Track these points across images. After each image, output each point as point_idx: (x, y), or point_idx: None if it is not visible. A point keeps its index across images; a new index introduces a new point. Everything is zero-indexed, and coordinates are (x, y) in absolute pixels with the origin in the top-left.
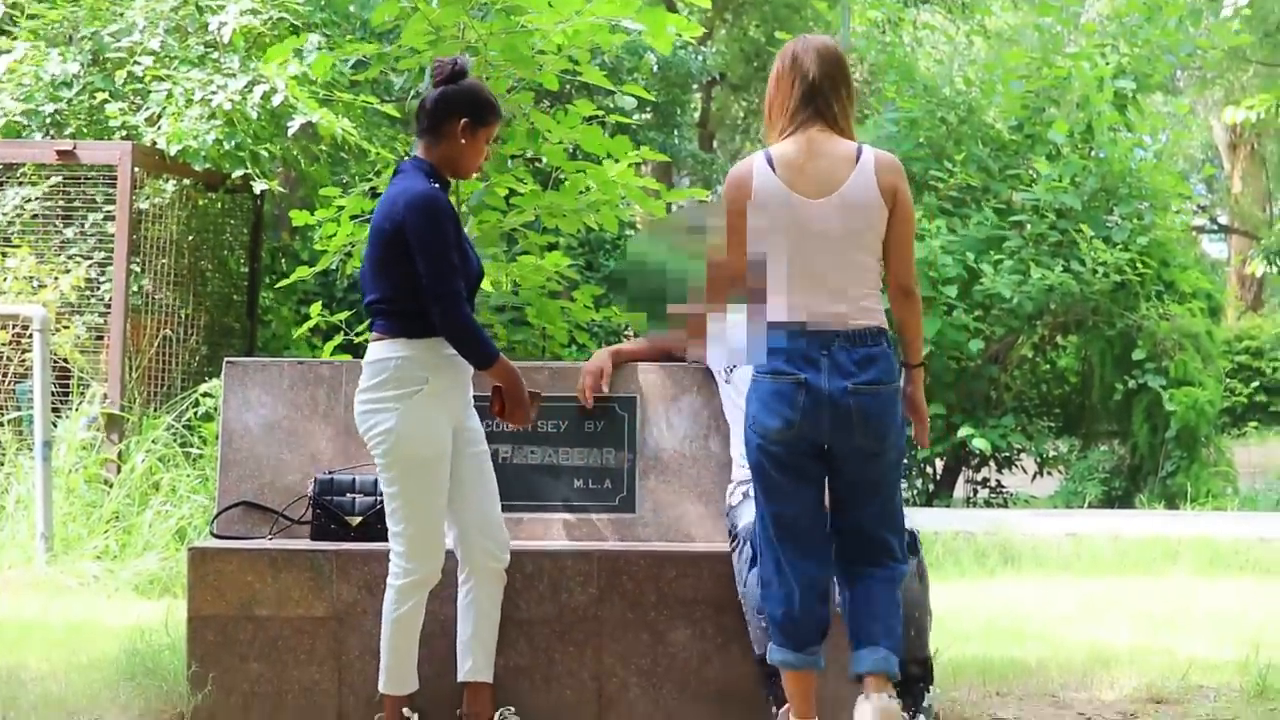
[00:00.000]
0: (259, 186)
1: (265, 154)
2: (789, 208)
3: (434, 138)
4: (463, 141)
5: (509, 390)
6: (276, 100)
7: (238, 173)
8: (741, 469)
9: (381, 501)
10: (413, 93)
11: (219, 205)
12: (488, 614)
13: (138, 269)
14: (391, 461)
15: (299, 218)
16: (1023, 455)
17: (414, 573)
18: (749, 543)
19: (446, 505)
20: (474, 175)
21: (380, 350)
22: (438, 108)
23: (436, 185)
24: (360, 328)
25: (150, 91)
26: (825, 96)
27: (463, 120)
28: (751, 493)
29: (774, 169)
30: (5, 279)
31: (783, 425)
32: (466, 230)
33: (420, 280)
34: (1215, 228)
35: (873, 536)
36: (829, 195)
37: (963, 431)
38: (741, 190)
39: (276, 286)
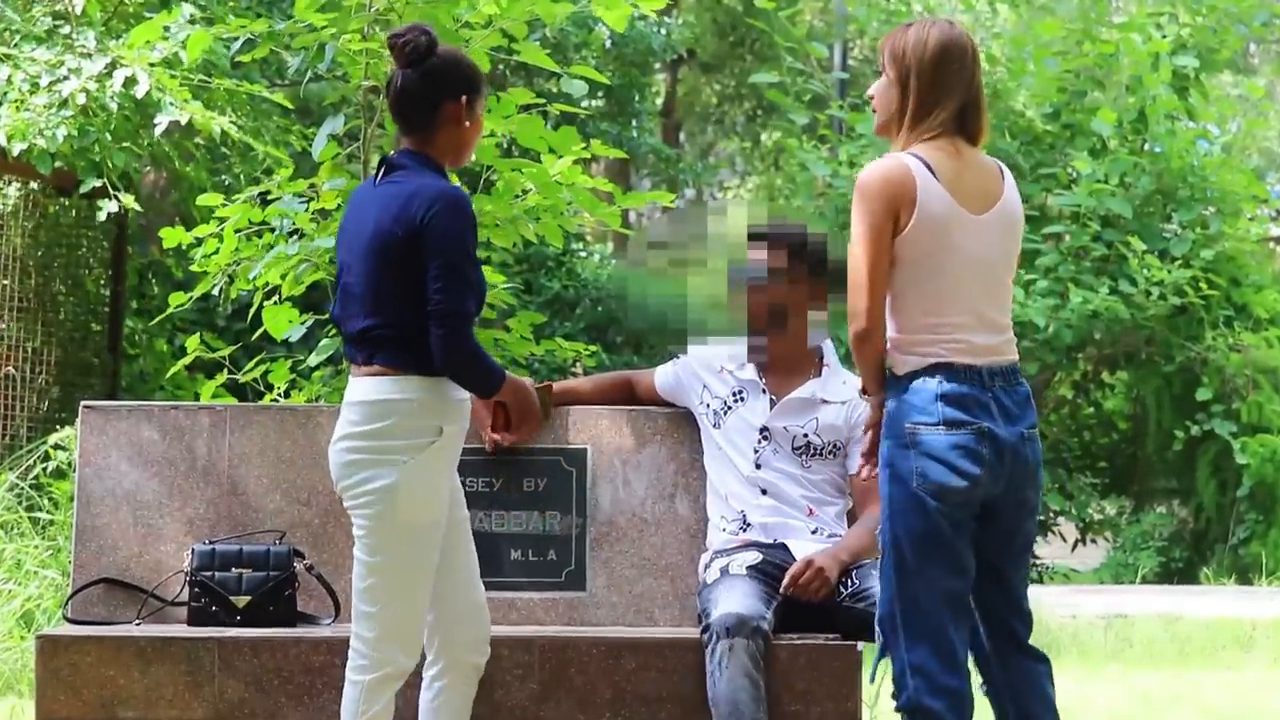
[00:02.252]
0: (110, 206)
1: (129, 153)
2: (955, 223)
3: (428, 129)
4: (466, 124)
5: (519, 404)
6: (140, 90)
7: (93, 183)
8: (722, 534)
9: (274, 578)
10: (309, 76)
11: (73, 214)
12: (460, 718)
13: None
14: (381, 526)
15: (171, 237)
16: (1061, 519)
17: (387, 664)
18: (723, 637)
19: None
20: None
21: (384, 388)
22: (428, 93)
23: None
24: (249, 365)
25: None
26: (977, 109)
27: (462, 98)
28: (734, 569)
29: (935, 176)
30: None
31: (967, 484)
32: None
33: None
34: None
35: (1022, 607)
36: (988, 211)
37: None
38: (900, 196)
39: (152, 323)
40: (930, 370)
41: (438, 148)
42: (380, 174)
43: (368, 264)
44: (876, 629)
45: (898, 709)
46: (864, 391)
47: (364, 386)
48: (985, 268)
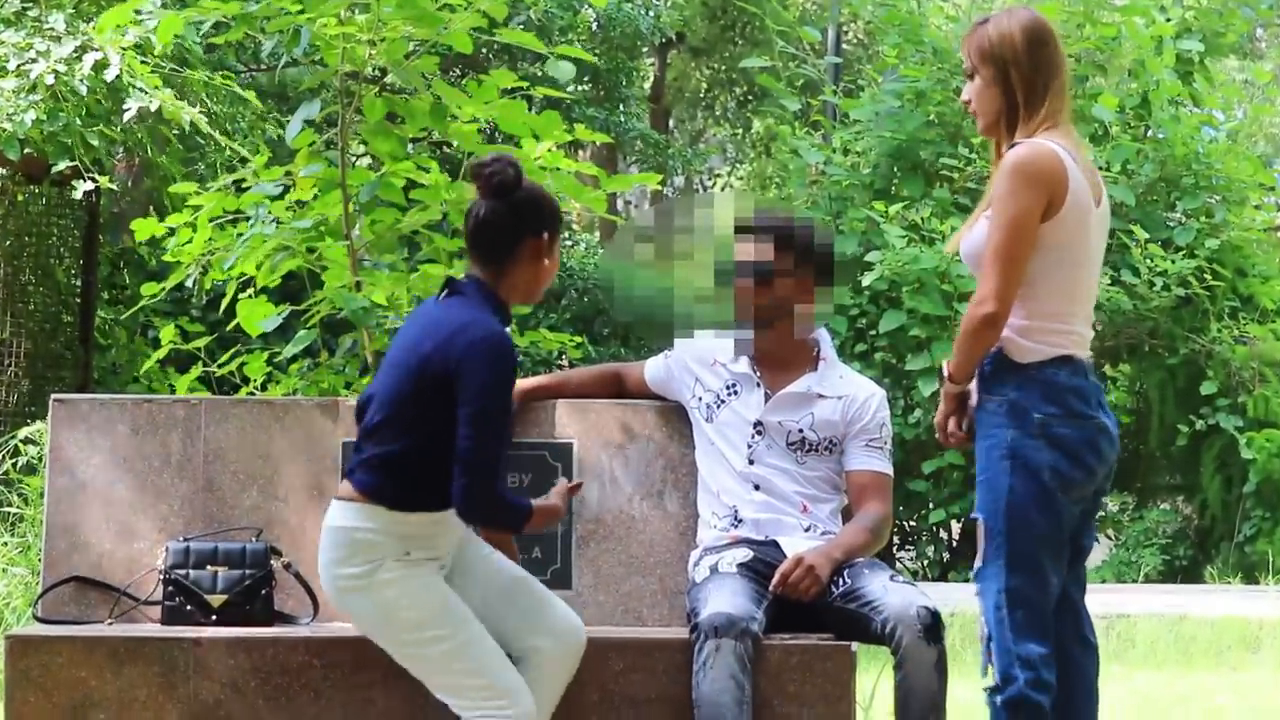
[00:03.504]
0: (83, 187)
1: (99, 139)
2: (1089, 214)
3: (505, 262)
4: (546, 262)
5: (548, 524)
6: (110, 74)
7: (63, 164)
8: (713, 530)
9: (251, 576)
10: (285, 61)
11: (44, 201)
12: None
13: None
14: (395, 645)
15: (143, 228)
16: None
17: (522, 717)
18: (710, 637)
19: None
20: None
21: (348, 515)
22: (508, 227)
23: (506, 327)
24: (224, 358)
25: None
26: (1066, 79)
27: (545, 235)
28: (724, 567)
29: (1076, 164)
30: None
31: (1089, 479)
32: (356, 232)
33: (456, 438)
34: None
35: (1084, 597)
36: (1100, 204)
37: None
38: (1055, 182)
39: (124, 315)
40: (1058, 362)
41: (509, 282)
42: (443, 294)
43: (392, 378)
44: (982, 619)
45: (1003, 701)
46: (951, 379)
47: (335, 512)
48: (1098, 261)
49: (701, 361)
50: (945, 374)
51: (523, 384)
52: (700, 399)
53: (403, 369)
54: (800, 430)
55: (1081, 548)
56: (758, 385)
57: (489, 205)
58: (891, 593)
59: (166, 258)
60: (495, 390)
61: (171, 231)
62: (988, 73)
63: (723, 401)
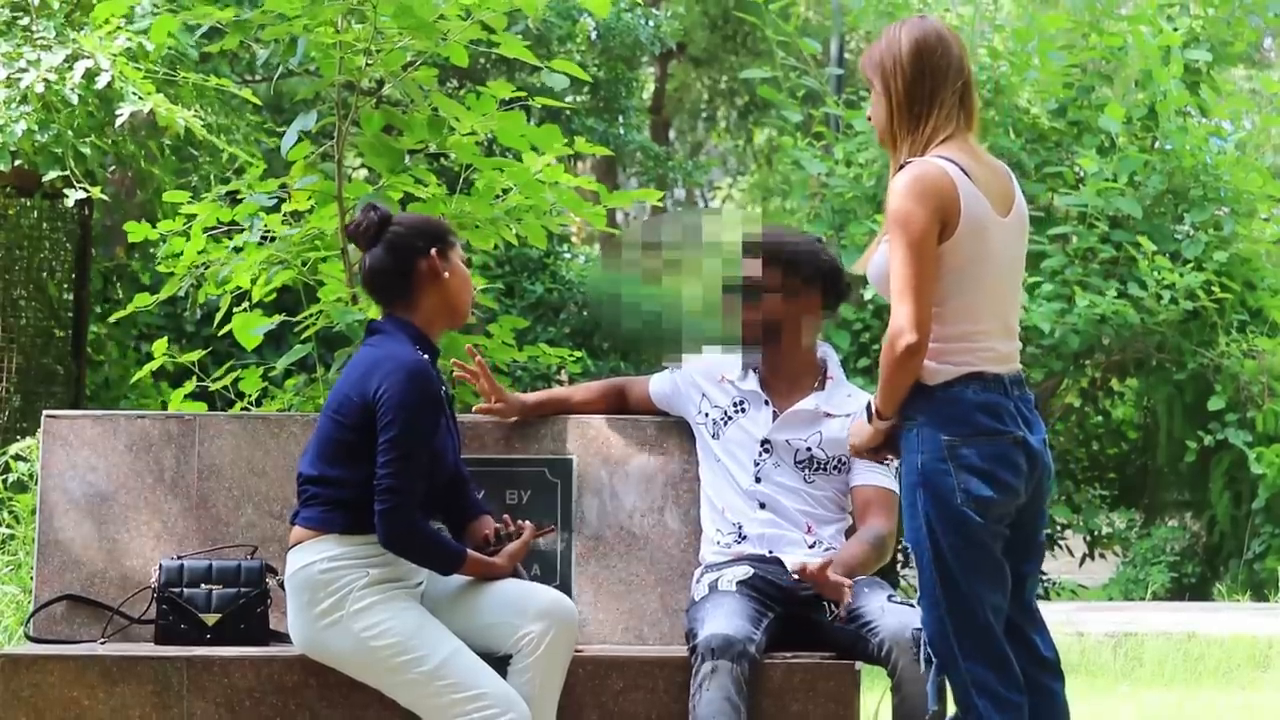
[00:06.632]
0: (75, 195)
1: (91, 149)
2: (992, 227)
3: (407, 296)
4: (445, 276)
5: (486, 578)
6: (102, 81)
7: (53, 174)
8: (716, 547)
9: (245, 594)
10: (280, 69)
11: (35, 214)
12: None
13: None
14: (386, 669)
15: (136, 232)
16: (1068, 533)
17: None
18: (707, 659)
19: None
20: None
21: (303, 556)
22: (394, 262)
23: (426, 357)
24: (218, 372)
25: None
26: (973, 96)
27: (432, 252)
28: (724, 585)
29: (969, 178)
30: None
31: (1008, 496)
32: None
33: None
34: None
35: (1036, 614)
36: (1010, 213)
37: None
38: (944, 202)
39: (111, 320)
40: (964, 380)
41: (423, 312)
42: (365, 335)
43: (321, 425)
44: (926, 649)
45: None
46: (879, 415)
47: (291, 560)
48: (1012, 272)
49: (709, 377)
50: (873, 410)
51: (525, 398)
52: (707, 415)
53: (329, 414)
54: (809, 449)
55: (1021, 575)
56: (766, 403)
57: (369, 255)
58: (888, 614)
59: (159, 268)
60: (410, 415)
61: (164, 238)
62: (878, 84)
63: (730, 418)
